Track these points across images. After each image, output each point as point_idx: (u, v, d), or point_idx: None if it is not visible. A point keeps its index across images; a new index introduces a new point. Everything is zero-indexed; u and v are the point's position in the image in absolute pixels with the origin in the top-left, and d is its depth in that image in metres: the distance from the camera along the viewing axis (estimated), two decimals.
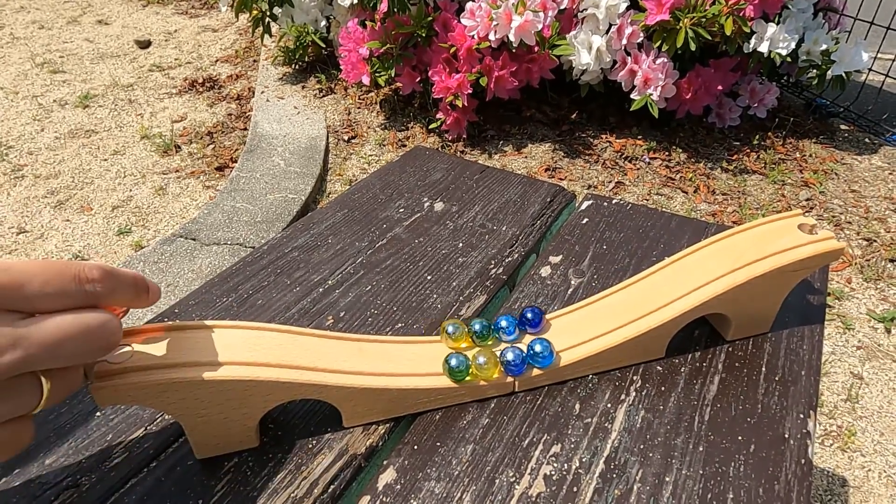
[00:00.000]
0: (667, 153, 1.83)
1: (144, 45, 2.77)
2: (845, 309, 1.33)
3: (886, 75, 1.97)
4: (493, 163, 1.78)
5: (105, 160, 1.89)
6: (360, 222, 0.54)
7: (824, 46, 1.73)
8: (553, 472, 0.32)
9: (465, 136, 1.85)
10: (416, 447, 0.34)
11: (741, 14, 1.56)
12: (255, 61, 2.54)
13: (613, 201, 0.57)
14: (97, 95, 2.29)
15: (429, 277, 0.47)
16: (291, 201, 1.61)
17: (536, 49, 1.66)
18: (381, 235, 0.52)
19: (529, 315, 0.38)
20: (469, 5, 1.64)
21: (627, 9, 1.62)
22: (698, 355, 0.40)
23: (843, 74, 1.73)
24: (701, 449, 0.33)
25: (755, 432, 0.34)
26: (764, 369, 0.39)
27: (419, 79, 1.83)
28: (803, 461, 0.33)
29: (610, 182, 1.72)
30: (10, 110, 2.17)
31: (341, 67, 1.92)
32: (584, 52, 1.65)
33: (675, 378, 0.38)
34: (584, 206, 0.56)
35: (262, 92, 2.21)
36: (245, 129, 2.04)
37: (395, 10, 1.69)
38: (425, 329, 0.42)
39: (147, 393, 0.29)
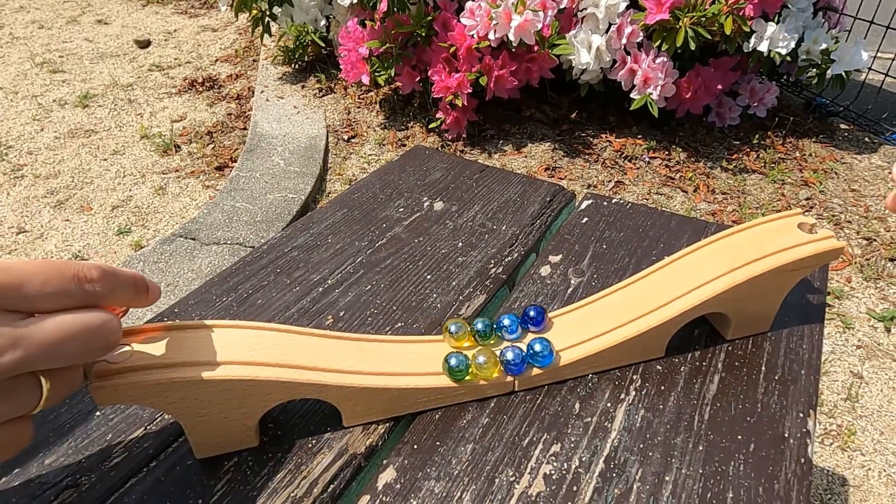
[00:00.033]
0: (666, 152, 1.83)
1: (144, 44, 2.77)
2: (845, 308, 1.33)
3: (886, 74, 1.97)
4: (492, 162, 1.78)
5: (105, 160, 1.89)
6: (360, 222, 0.54)
7: (824, 45, 1.73)
8: (553, 472, 0.32)
9: (464, 135, 1.85)
10: (415, 446, 0.34)
11: (741, 13, 1.56)
12: (254, 61, 2.54)
13: (613, 201, 0.57)
14: (97, 95, 2.29)
15: (428, 277, 0.47)
16: (291, 201, 1.61)
17: (536, 48, 1.66)
18: (380, 235, 0.52)
19: (532, 313, 0.38)
20: (469, 5, 1.64)
21: (627, 8, 1.62)
22: (698, 354, 0.40)
23: (843, 73, 1.73)
24: (701, 448, 0.33)
25: (755, 431, 0.34)
26: (764, 368, 0.39)
27: (419, 78, 1.83)
28: (803, 460, 0.33)
29: (610, 181, 1.72)
30: (9, 110, 2.17)
31: (341, 67, 1.91)
32: (584, 52, 1.65)
33: (675, 377, 0.38)
34: (583, 206, 0.56)
35: (262, 91, 2.21)
36: (245, 128, 2.04)
37: (395, 9, 1.69)
38: (425, 328, 0.42)
39: (147, 392, 0.29)
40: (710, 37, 1.57)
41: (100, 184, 1.77)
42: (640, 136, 1.88)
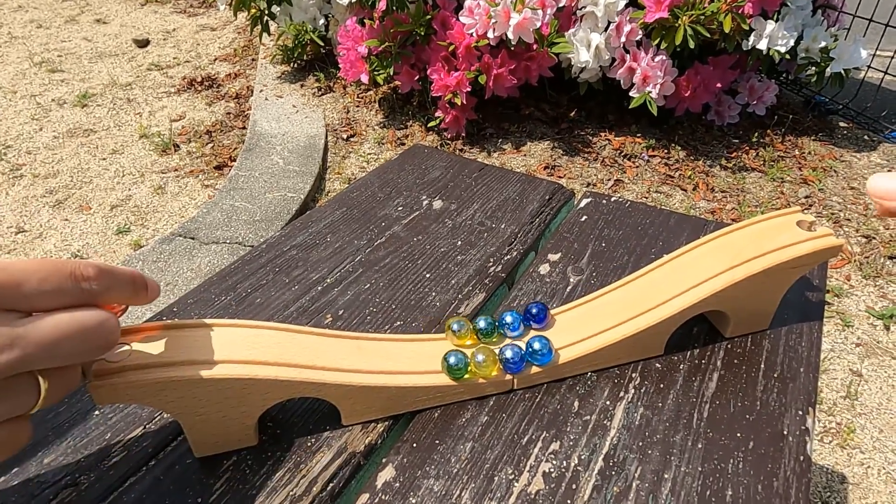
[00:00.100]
0: (666, 151, 1.83)
1: (143, 44, 2.77)
2: (844, 306, 1.33)
3: (885, 72, 1.97)
4: (492, 161, 1.78)
5: (104, 159, 1.89)
6: (359, 221, 0.54)
7: (823, 44, 1.73)
8: (552, 470, 0.32)
9: (463, 134, 1.85)
10: (414, 445, 0.34)
11: (740, 11, 1.56)
12: (253, 60, 2.54)
13: (612, 199, 0.57)
14: (95, 94, 2.28)
15: (427, 275, 0.47)
16: (290, 200, 1.61)
17: (535, 47, 1.66)
18: (379, 234, 0.52)
19: (534, 310, 0.38)
20: (467, 3, 1.64)
21: (626, 6, 1.62)
22: (697, 352, 0.40)
23: (842, 71, 1.73)
24: (700, 446, 0.33)
25: (754, 429, 0.34)
26: (763, 366, 0.39)
27: (418, 77, 1.83)
28: (802, 458, 0.33)
29: (609, 180, 1.72)
30: (8, 110, 2.17)
31: (340, 66, 1.91)
32: (583, 50, 1.65)
33: (674, 375, 0.38)
34: (582, 204, 0.56)
35: (261, 91, 2.21)
36: (244, 127, 2.03)
37: (394, 8, 1.69)
38: (424, 327, 0.42)
39: (145, 391, 0.29)
40: (709, 35, 1.57)
41: (99, 183, 1.77)
42: (639, 135, 1.88)
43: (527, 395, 0.37)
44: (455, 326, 0.37)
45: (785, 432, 0.34)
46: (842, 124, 2.03)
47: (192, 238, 1.46)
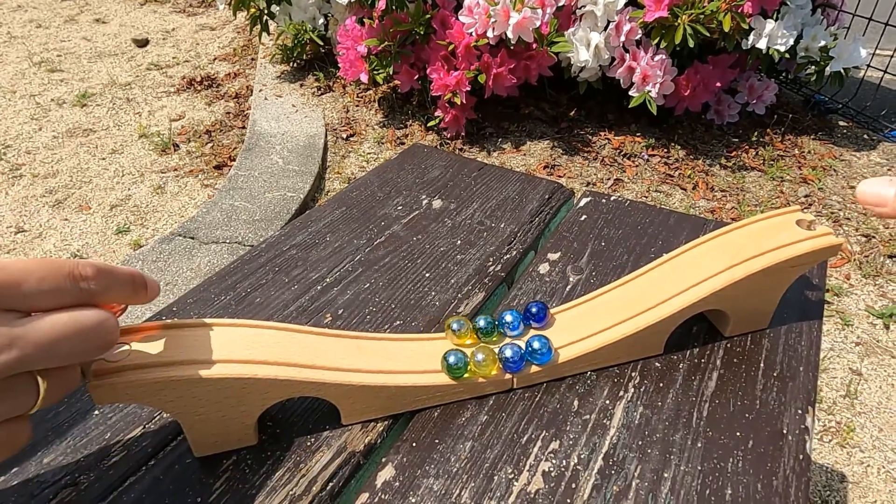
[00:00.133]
0: (665, 150, 1.83)
1: (142, 43, 2.77)
2: (844, 305, 1.33)
3: (885, 71, 1.97)
4: (491, 160, 1.78)
5: (103, 159, 1.89)
6: (359, 220, 0.54)
7: (823, 42, 1.72)
8: (551, 469, 0.32)
9: (463, 133, 1.85)
10: (414, 444, 0.34)
11: (739, 10, 1.56)
12: (253, 59, 2.54)
13: (612, 198, 0.57)
14: (95, 94, 2.28)
15: (427, 275, 0.47)
16: (290, 199, 1.61)
17: (535, 46, 1.65)
18: (379, 233, 0.52)
19: (534, 310, 0.38)
20: (467, 2, 1.64)
21: (626, 5, 1.62)
22: (696, 352, 0.40)
23: (842, 70, 1.73)
24: (699, 445, 0.33)
25: (753, 428, 0.34)
26: (762, 365, 0.39)
27: (417, 76, 1.83)
28: (801, 457, 0.33)
29: (608, 179, 1.72)
30: (7, 109, 2.17)
31: (339, 65, 1.91)
32: (583, 49, 1.65)
33: (674, 374, 0.38)
34: (582, 203, 0.56)
35: (261, 90, 2.21)
36: (243, 127, 2.03)
37: (394, 7, 1.69)
38: (423, 326, 0.42)
39: (145, 391, 0.29)
40: (708, 34, 1.57)
41: (98, 183, 1.77)
42: (638, 134, 1.88)
43: (526, 395, 0.37)
44: (455, 326, 0.37)
45: (784, 431, 0.34)
46: (841, 123, 2.03)
47: (192, 238, 1.46)
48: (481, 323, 0.37)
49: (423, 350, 0.36)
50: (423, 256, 0.49)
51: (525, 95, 1.95)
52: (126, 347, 0.29)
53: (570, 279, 0.46)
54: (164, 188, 1.75)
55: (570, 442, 0.34)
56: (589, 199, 0.57)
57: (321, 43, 2.24)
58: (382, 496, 0.31)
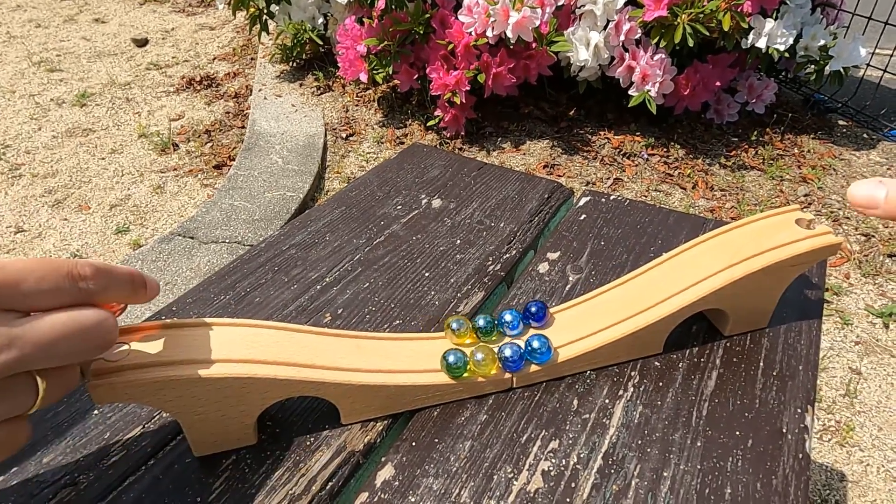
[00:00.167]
0: (665, 149, 1.83)
1: (141, 43, 2.76)
2: (844, 304, 1.33)
3: (884, 70, 1.97)
4: (491, 160, 1.78)
5: (103, 159, 1.89)
6: (358, 219, 0.53)
7: (822, 42, 1.73)
8: (551, 468, 0.32)
9: (463, 133, 1.84)
10: (413, 444, 0.34)
11: (739, 9, 1.56)
12: (252, 59, 2.54)
13: (611, 197, 0.57)
14: (94, 94, 2.28)
15: (426, 274, 0.47)
16: (289, 199, 1.61)
17: (534, 45, 1.65)
18: (378, 232, 0.52)
19: (533, 309, 0.38)
20: (466, 2, 1.64)
21: (625, 5, 1.62)
22: (696, 351, 0.40)
23: (842, 70, 1.73)
24: (699, 444, 0.33)
25: (753, 427, 0.34)
26: (762, 364, 0.39)
27: (417, 76, 1.83)
28: (801, 455, 0.33)
29: (608, 178, 1.72)
30: (6, 109, 2.17)
31: (339, 65, 1.91)
32: (582, 49, 1.65)
33: (673, 373, 0.38)
34: (581, 203, 0.56)
35: (260, 90, 2.21)
36: (243, 127, 2.03)
37: (393, 6, 1.69)
38: (423, 326, 0.42)
39: (144, 390, 0.29)
40: (708, 33, 1.57)
41: (98, 183, 1.77)
42: (638, 133, 1.88)
43: (526, 394, 0.37)
44: (454, 325, 0.37)
45: (784, 430, 0.34)
46: (841, 122, 2.03)
47: (192, 237, 1.46)
48: (481, 322, 0.37)
49: (422, 349, 0.36)
50: (423, 256, 0.49)
51: (524, 95, 1.95)
52: (125, 347, 0.29)
53: (570, 278, 0.46)
54: (164, 188, 1.75)
55: (570, 441, 0.34)
56: (588, 198, 0.57)
57: (321, 42, 2.24)
58: (382, 495, 0.31)
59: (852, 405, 1.11)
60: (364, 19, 1.80)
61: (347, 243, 0.50)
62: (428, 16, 1.72)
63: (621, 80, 1.70)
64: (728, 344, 0.40)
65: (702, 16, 1.55)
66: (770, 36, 1.64)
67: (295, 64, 2.37)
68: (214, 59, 2.60)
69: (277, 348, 0.32)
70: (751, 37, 1.65)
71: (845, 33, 1.91)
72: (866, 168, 1.80)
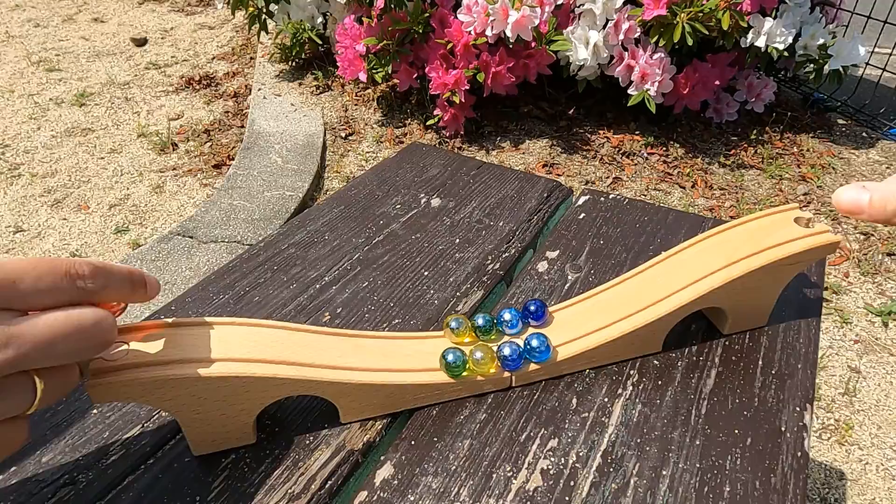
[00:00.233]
0: (664, 148, 1.83)
1: (141, 42, 2.76)
2: (843, 303, 1.33)
3: (884, 69, 1.97)
4: (490, 159, 1.78)
5: (102, 158, 1.89)
6: (357, 219, 0.53)
7: (821, 41, 1.73)
8: (550, 467, 0.32)
9: (462, 132, 1.84)
10: (413, 442, 0.34)
11: (738, 8, 1.56)
12: (251, 59, 2.54)
13: (610, 196, 0.57)
14: (93, 94, 2.28)
15: (426, 273, 0.47)
16: (289, 198, 1.61)
17: (533, 45, 1.65)
18: (377, 232, 0.52)
19: (533, 308, 0.38)
20: (465, 1, 1.63)
21: (624, 4, 1.62)
22: (695, 349, 0.40)
23: (841, 69, 1.73)
24: (698, 442, 0.33)
25: (752, 426, 0.34)
26: (761, 363, 0.39)
27: (416, 75, 1.83)
28: (800, 454, 0.33)
29: (607, 177, 1.72)
30: (5, 109, 2.17)
31: (338, 64, 1.91)
32: (582, 48, 1.65)
33: (672, 372, 0.38)
34: (581, 202, 0.56)
35: (259, 89, 2.20)
36: (242, 126, 2.03)
37: (392, 6, 1.68)
38: (422, 325, 0.42)
39: (143, 390, 0.29)
40: (707, 32, 1.57)
41: (97, 182, 1.77)
42: (637, 132, 1.88)
43: (525, 393, 0.37)
44: (453, 324, 0.37)
45: (783, 429, 0.34)
46: (840, 121, 2.03)
47: (191, 237, 1.46)
48: (480, 321, 0.37)
49: (421, 348, 0.36)
50: (422, 255, 0.49)
51: (524, 94, 1.95)
52: (124, 346, 0.29)
53: (569, 277, 0.46)
54: (163, 187, 1.75)
55: (569, 440, 0.34)
56: (587, 197, 0.57)
57: (320, 42, 2.24)
58: (381, 494, 0.31)
59: (851, 404, 1.11)
60: (363, 18, 1.80)
61: (346, 242, 0.50)
62: (427, 15, 1.72)
63: (620, 79, 1.70)
64: (727, 342, 0.40)
65: (701, 14, 1.55)
66: (769, 35, 1.64)
67: (294, 63, 2.37)
68: (214, 58, 2.59)
69: (276, 347, 0.32)
70: (750, 36, 1.65)
71: (844, 32, 1.91)
72: (866, 167, 1.80)
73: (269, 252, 0.49)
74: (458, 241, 0.51)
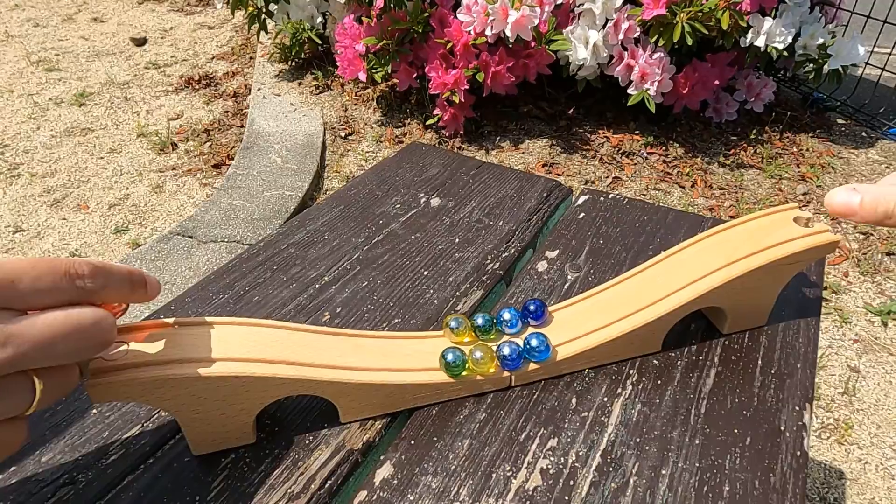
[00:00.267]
0: (664, 148, 1.83)
1: (140, 42, 2.76)
2: (842, 302, 1.33)
3: (883, 69, 1.97)
4: (490, 158, 1.78)
5: (101, 158, 1.89)
6: (357, 218, 0.53)
7: (821, 40, 1.73)
8: (550, 466, 0.32)
9: (461, 132, 1.84)
10: (412, 442, 0.34)
11: (738, 8, 1.56)
12: (251, 58, 2.54)
13: (610, 196, 0.57)
14: (93, 93, 2.28)
15: (425, 273, 0.47)
16: (288, 198, 1.61)
17: (533, 44, 1.65)
18: (377, 231, 0.52)
19: (532, 307, 0.38)
20: (465, 0, 1.63)
21: (624, 3, 1.62)
22: (694, 349, 0.40)
23: (840, 68, 1.73)
24: (697, 442, 0.33)
25: (751, 425, 0.34)
26: (760, 362, 0.39)
27: (416, 75, 1.83)
28: (799, 453, 0.33)
29: (607, 177, 1.72)
30: (5, 109, 2.17)
31: (338, 64, 1.91)
32: (581, 48, 1.65)
33: (672, 372, 0.38)
34: (580, 201, 0.56)
35: (259, 89, 2.20)
36: (242, 126, 2.03)
37: (392, 5, 1.68)
38: (422, 324, 0.42)
39: (143, 389, 0.29)
40: (707, 32, 1.57)
41: (96, 182, 1.77)
42: (637, 132, 1.88)
43: (524, 392, 0.37)
44: (453, 324, 0.37)
45: (782, 428, 0.34)
46: (840, 121, 2.03)
47: (191, 237, 1.46)
48: (479, 321, 0.37)
49: (421, 348, 0.36)
50: (422, 254, 0.49)
51: (523, 94, 1.95)
52: (124, 346, 0.29)
53: (569, 277, 0.46)
54: (163, 187, 1.75)
55: (569, 439, 0.34)
56: (587, 196, 0.57)
57: (319, 41, 2.24)
58: (381, 494, 0.31)
59: (851, 403, 1.11)
60: (363, 18, 1.80)
61: (346, 242, 0.50)
62: (427, 14, 1.72)
63: (620, 79, 1.70)
64: (726, 342, 0.40)
65: (700, 14, 1.55)
66: (769, 34, 1.64)
67: (294, 63, 2.36)
68: (213, 58, 2.59)
69: (276, 347, 0.32)
70: (749, 35, 1.65)
71: (844, 32, 1.91)
72: (865, 167, 1.80)
73: (268, 252, 0.49)
74: (457, 240, 0.51)
